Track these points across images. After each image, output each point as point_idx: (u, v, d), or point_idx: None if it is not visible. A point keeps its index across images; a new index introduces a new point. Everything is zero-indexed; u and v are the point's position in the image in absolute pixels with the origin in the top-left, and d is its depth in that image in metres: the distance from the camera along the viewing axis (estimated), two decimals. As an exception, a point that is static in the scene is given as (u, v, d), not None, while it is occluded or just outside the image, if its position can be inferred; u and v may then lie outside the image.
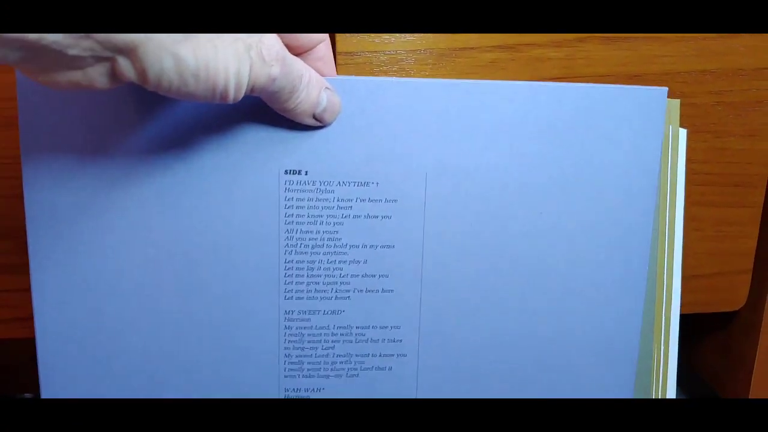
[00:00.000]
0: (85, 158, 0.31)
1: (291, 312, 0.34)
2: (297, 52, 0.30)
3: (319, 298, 0.34)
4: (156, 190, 0.32)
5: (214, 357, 0.34)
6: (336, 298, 0.34)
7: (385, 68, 0.40)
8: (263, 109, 0.31)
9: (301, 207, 0.33)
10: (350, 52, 0.40)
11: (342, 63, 0.40)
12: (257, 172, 0.32)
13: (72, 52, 0.22)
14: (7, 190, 0.42)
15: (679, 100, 0.38)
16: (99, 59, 0.23)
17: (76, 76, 0.23)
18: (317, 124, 0.31)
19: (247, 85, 0.25)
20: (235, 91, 0.25)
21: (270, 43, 0.26)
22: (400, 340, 0.35)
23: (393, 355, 0.35)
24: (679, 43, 0.42)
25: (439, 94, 0.33)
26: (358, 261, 0.34)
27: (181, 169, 0.32)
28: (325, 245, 0.33)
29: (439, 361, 0.35)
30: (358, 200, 0.33)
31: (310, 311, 0.34)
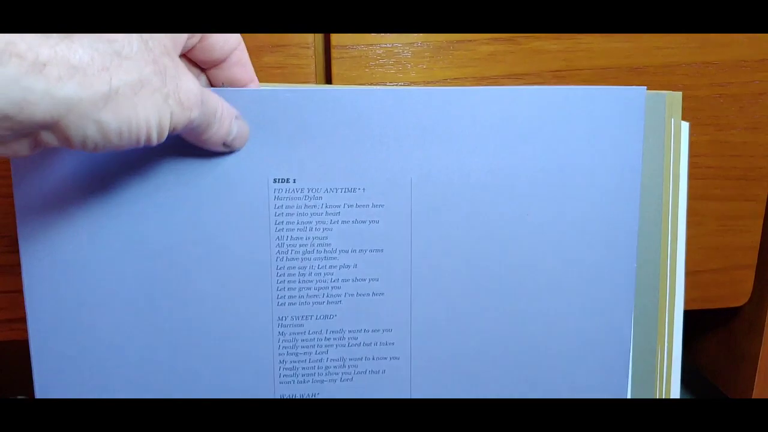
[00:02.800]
0: (77, 172, 0.32)
1: (284, 318, 0.35)
2: (214, 63, 0.32)
3: (311, 303, 0.35)
4: (148, 203, 0.33)
5: (209, 365, 0.35)
6: (327, 302, 0.35)
7: (381, 61, 0.40)
8: (250, 123, 0.32)
9: (291, 214, 0.34)
10: (345, 45, 0.39)
11: (337, 57, 0.40)
12: (247, 182, 0.33)
13: None
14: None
15: (681, 93, 0.37)
16: (21, 135, 0.23)
17: None
18: (227, 150, 0.32)
19: (169, 130, 0.26)
20: (158, 138, 0.26)
21: (188, 88, 0.26)
22: (393, 343, 0.36)
23: (386, 358, 0.36)
24: (681, 36, 0.41)
25: (420, 102, 0.34)
26: (347, 266, 0.35)
27: (173, 180, 0.33)
28: (315, 251, 0.34)
29: (431, 363, 0.36)
30: (346, 206, 0.34)
31: (302, 317, 0.35)
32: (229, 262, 0.34)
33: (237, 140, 0.32)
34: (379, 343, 0.35)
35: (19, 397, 0.58)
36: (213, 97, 0.29)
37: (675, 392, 0.40)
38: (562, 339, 0.37)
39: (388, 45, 0.40)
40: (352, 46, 0.40)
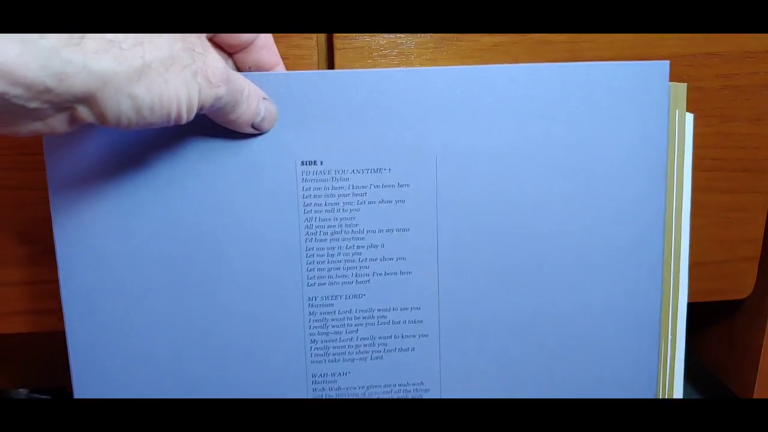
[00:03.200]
0: (109, 157, 0.33)
1: (314, 298, 0.35)
2: (240, 47, 0.33)
3: (340, 284, 0.35)
4: (180, 189, 0.34)
5: (242, 347, 0.35)
6: (357, 282, 0.36)
7: (384, 52, 0.40)
8: (277, 107, 0.33)
9: (319, 196, 0.35)
10: (348, 36, 0.39)
11: (340, 47, 0.39)
12: (275, 165, 0.34)
13: (32, 105, 0.23)
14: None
15: (685, 84, 0.37)
16: (59, 109, 0.24)
17: (36, 126, 0.24)
18: (255, 132, 0.33)
19: (197, 106, 0.27)
20: (187, 114, 0.27)
21: (214, 65, 0.27)
22: (421, 321, 0.36)
23: (415, 336, 0.36)
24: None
25: (443, 81, 0.34)
26: (375, 245, 0.35)
27: (202, 166, 0.34)
28: (343, 231, 0.35)
29: (460, 340, 0.37)
30: (372, 186, 0.35)
31: (332, 296, 0.35)
32: (259, 245, 0.34)
33: (265, 121, 0.33)
34: (407, 321, 0.36)
35: (21, 390, 0.58)
36: (239, 77, 0.30)
37: (678, 384, 0.41)
38: (589, 313, 0.37)
39: (391, 36, 0.40)
40: (355, 36, 0.39)
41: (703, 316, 0.58)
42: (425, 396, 0.37)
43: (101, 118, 0.25)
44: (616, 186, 0.36)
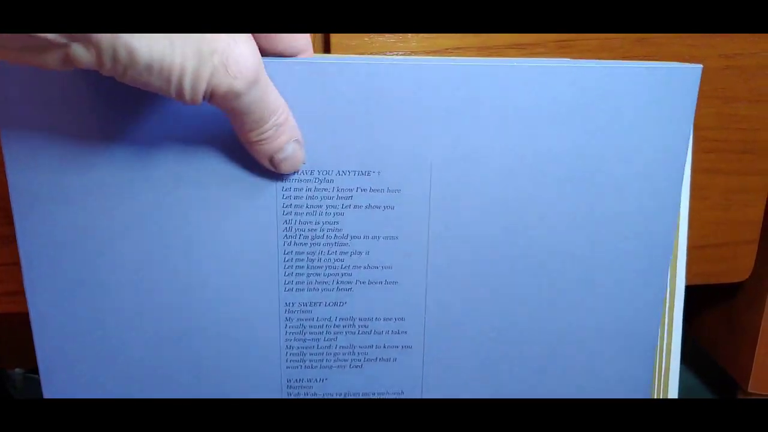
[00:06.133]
0: (76, 155, 0.31)
1: (291, 304, 0.34)
2: (275, 56, 0.31)
3: (320, 290, 0.34)
4: (151, 184, 0.31)
5: (215, 350, 0.34)
6: (338, 289, 0.34)
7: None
8: None
9: (300, 197, 0.32)
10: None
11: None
12: (254, 162, 0.31)
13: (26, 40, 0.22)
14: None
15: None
16: (54, 45, 0.23)
17: (26, 57, 0.23)
18: (271, 168, 0.31)
19: (206, 89, 0.25)
20: (191, 91, 0.25)
21: (239, 54, 0.25)
22: (405, 332, 0.35)
23: (398, 346, 0.35)
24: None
25: (445, 78, 0.31)
26: (360, 252, 0.33)
27: (176, 161, 0.31)
28: (325, 236, 0.33)
29: (445, 353, 0.35)
30: (359, 190, 0.32)
31: (311, 303, 0.34)
32: (234, 245, 0.32)
33: (285, 162, 0.30)
34: (390, 332, 0.35)
35: (17, 369, 0.58)
36: (277, 97, 0.28)
37: (675, 367, 0.41)
38: (584, 336, 0.36)
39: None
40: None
41: (701, 299, 0.58)
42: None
43: (97, 63, 0.23)
44: (628, 203, 0.33)
